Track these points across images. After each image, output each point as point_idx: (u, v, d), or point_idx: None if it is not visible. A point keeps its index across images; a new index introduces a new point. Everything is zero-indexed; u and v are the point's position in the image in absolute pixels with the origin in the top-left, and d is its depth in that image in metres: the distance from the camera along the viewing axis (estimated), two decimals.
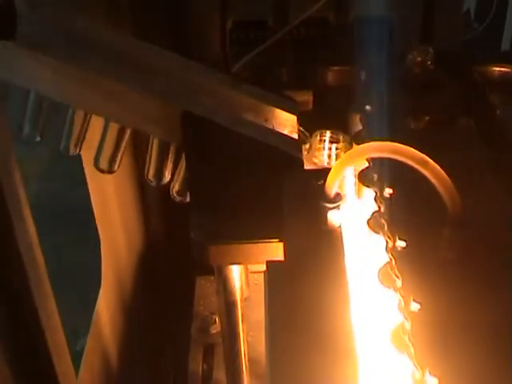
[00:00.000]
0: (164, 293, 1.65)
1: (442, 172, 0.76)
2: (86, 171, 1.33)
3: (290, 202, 0.96)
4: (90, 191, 1.41)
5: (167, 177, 1.13)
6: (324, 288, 0.89)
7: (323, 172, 0.93)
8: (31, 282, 0.83)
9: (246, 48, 1.41)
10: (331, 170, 0.85)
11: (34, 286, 0.84)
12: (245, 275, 1.25)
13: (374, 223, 0.92)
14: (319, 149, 1.30)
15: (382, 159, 0.92)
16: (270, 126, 1.09)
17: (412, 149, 0.77)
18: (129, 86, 1.02)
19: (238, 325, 1.17)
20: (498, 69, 1.27)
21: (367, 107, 1.09)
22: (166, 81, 1.06)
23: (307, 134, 1.23)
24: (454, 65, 1.20)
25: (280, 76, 1.38)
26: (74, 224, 1.61)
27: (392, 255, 0.85)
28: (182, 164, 1.10)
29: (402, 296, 0.81)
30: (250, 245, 1.00)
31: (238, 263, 1.05)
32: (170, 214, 1.69)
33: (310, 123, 1.21)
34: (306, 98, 1.26)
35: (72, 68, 0.99)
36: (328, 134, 1.28)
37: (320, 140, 1.29)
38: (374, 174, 0.95)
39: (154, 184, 1.14)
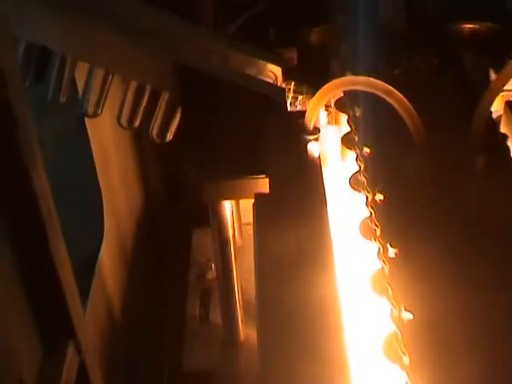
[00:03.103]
0: (162, 245, 1.74)
1: (406, 101, 0.86)
2: (90, 136, 1.42)
3: (275, 140, 1.07)
4: (94, 156, 1.50)
5: (138, 121, 1.23)
6: (306, 217, 1.00)
7: (303, 113, 1.04)
8: (47, 226, 0.92)
9: (236, 12, 1.51)
10: (310, 104, 0.95)
11: (48, 229, 0.93)
12: (237, 218, 1.36)
13: (355, 181, 1.03)
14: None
15: (363, 124, 1.04)
16: (259, 77, 1.20)
17: (380, 81, 0.87)
18: (123, 38, 1.12)
19: (231, 261, 1.27)
20: (468, 26, 1.37)
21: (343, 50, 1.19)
22: (161, 35, 1.16)
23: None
24: (429, 22, 1.31)
25: (268, 36, 1.48)
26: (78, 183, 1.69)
27: (372, 208, 0.95)
28: (160, 108, 1.18)
29: (382, 244, 0.91)
30: (239, 181, 1.10)
31: (230, 199, 1.15)
32: (166, 173, 1.79)
33: (294, 77, 1.31)
34: (291, 55, 1.36)
35: (71, 20, 1.09)
36: (292, 84, 1.38)
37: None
38: (355, 137, 1.05)
39: (125, 127, 1.24)
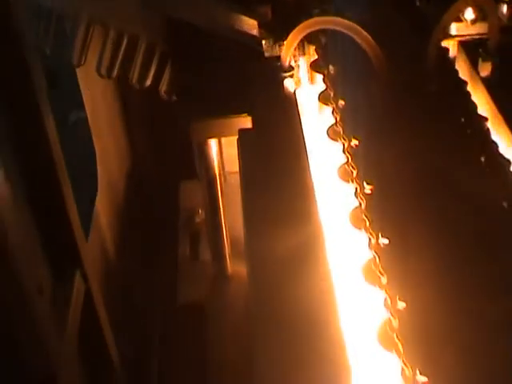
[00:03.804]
0: (151, 195, 1.87)
1: (369, 37, 0.99)
2: (84, 95, 1.53)
3: (256, 82, 1.20)
4: (88, 113, 1.60)
5: (149, 80, 1.35)
6: (285, 146, 1.13)
7: (278, 57, 1.17)
8: (57, 170, 1.03)
9: None
10: (285, 44, 1.08)
11: (59, 173, 1.03)
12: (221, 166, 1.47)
13: (332, 132, 1.13)
14: None
15: (337, 81, 1.15)
16: (238, 28, 1.32)
17: (347, 20, 1.00)
18: None
19: (218, 198, 1.40)
20: None
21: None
22: None
23: None
24: None
25: None
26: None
27: (349, 153, 1.06)
28: (138, 55, 1.30)
29: (359, 184, 1.01)
30: (224, 119, 1.23)
31: (216, 137, 1.28)
32: (153, 129, 1.91)
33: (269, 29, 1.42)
34: (265, 10, 1.47)
35: None
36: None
37: None
38: (330, 92, 1.17)
39: (137, 87, 1.36)
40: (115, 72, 1.35)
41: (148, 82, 1.36)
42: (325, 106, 1.17)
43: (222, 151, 1.52)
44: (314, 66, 1.24)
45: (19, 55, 0.89)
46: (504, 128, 1.10)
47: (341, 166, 1.07)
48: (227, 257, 1.54)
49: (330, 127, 1.13)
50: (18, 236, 0.84)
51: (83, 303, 1.13)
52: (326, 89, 1.21)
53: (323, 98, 1.19)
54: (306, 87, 1.26)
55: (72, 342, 1.05)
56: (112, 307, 1.33)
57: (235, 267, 1.56)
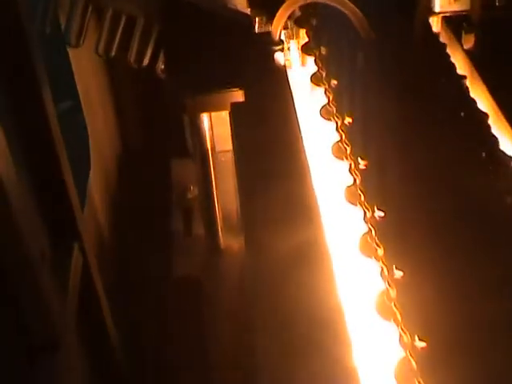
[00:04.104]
0: (143, 173, 1.89)
1: (356, 8, 1.03)
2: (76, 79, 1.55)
3: (247, 57, 1.23)
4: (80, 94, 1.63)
5: (147, 60, 1.38)
6: (276, 117, 1.16)
7: (268, 32, 1.20)
8: (56, 146, 1.06)
9: None
10: (275, 18, 1.11)
11: (58, 148, 1.06)
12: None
13: (325, 111, 1.16)
14: None
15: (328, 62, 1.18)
16: (232, 7, 1.35)
17: None
18: None
19: (210, 173, 1.43)
20: None
21: None
22: None
23: None
24: None
25: None
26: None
27: (342, 131, 1.09)
28: (136, 34, 1.33)
29: (353, 160, 1.03)
30: (216, 94, 1.26)
31: (208, 111, 1.31)
32: (143, 107, 1.94)
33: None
34: None
35: None
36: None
37: None
38: (322, 73, 1.20)
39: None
40: (113, 52, 1.37)
41: (146, 62, 1.39)
42: (317, 88, 1.19)
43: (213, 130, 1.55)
44: (305, 49, 1.26)
45: (19, 30, 0.93)
46: (482, 88, 1.13)
47: (334, 144, 1.09)
48: (220, 231, 1.58)
49: (323, 107, 1.16)
50: (21, 207, 0.88)
51: (81, 275, 1.17)
52: (317, 70, 1.23)
53: (315, 79, 1.22)
54: (297, 70, 1.29)
55: (72, 310, 1.08)
56: (107, 281, 1.36)
57: (228, 241, 1.59)
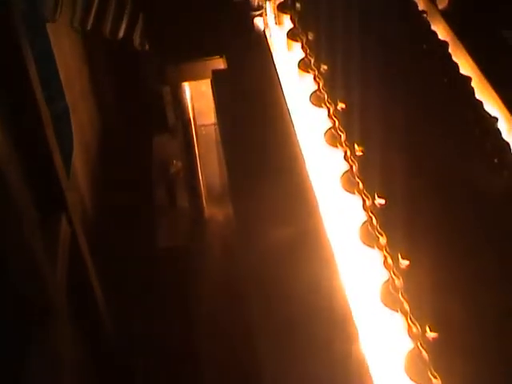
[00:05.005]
0: (124, 148, 1.90)
1: None
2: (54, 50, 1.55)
3: (227, 25, 1.24)
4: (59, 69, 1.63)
5: (122, 32, 1.39)
6: (258, 81, 1.17)
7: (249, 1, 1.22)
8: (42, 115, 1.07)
9: None
10: None
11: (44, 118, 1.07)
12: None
13: (315, 98, 1.10)
14: None
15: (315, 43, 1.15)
16: None
17: None
18: None
19: (193, 143, 1.45)
20: None
21: None
22: None
23: None
24: None
25: None
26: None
27: (335, 118, 1.03)
28: (111, 6, 1.34)
29: (348, 147, 0.98)
30: (197, 63, 1.27)
31: (190, 80, 1.32)
32: (120, 81, 1.94)
33: None
34: None
35: None
36: None
37: None
38: (311, 59, 1.15)
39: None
40: (89, 25, 1.38)
41: (121, 34, 1.40)
42: (305, 74, 1.15)
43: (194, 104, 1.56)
44: (291, 35, 1.21)
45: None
46: (463, 52, 1.16)
47: (327, 131, 1.04)
48: (204, 201, 1.60)
49: (313, 93, 1.11)
50: (12, 181, 0.90)
51: (69, 244, 1.19)
52: (305, 56, 1.17)
53: (303, 65, 1.17)
54: (283, 55, 1.24)
55: (62, 279, 1.10)
56: (93, 252, 1.38)
57: (212, 211, 1.62)
